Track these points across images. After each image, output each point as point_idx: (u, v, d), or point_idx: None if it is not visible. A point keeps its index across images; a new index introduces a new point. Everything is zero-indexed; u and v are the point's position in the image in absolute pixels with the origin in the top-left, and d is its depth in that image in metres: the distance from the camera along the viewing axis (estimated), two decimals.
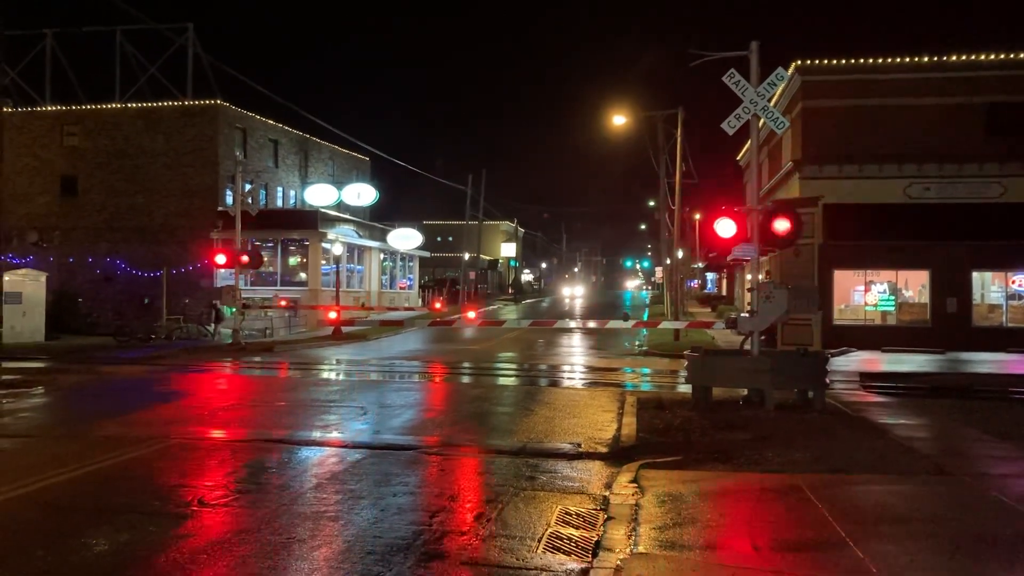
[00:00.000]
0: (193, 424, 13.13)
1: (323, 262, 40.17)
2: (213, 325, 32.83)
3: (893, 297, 30.15)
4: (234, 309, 29.57)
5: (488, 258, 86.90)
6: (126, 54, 42.11)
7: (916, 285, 30.22)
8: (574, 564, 6.72)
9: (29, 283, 30.35)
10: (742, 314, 16.46)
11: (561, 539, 7.32)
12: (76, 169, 40.93)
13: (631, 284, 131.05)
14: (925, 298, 29.76)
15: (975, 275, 29.51)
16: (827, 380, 14.58)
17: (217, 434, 12.43)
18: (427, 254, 56.87)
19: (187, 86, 41.10)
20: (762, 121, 15.15)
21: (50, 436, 12.45)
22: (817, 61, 29.71)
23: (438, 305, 37.07)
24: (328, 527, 7.63)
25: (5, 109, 41.15)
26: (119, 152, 40.36)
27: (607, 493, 8.89)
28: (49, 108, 42.03)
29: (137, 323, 34.22)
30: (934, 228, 28.85)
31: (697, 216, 73.67)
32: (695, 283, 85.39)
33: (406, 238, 50.34)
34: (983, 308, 29.78)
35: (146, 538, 7.22)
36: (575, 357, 26.95)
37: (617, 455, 10.87)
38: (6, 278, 29.51)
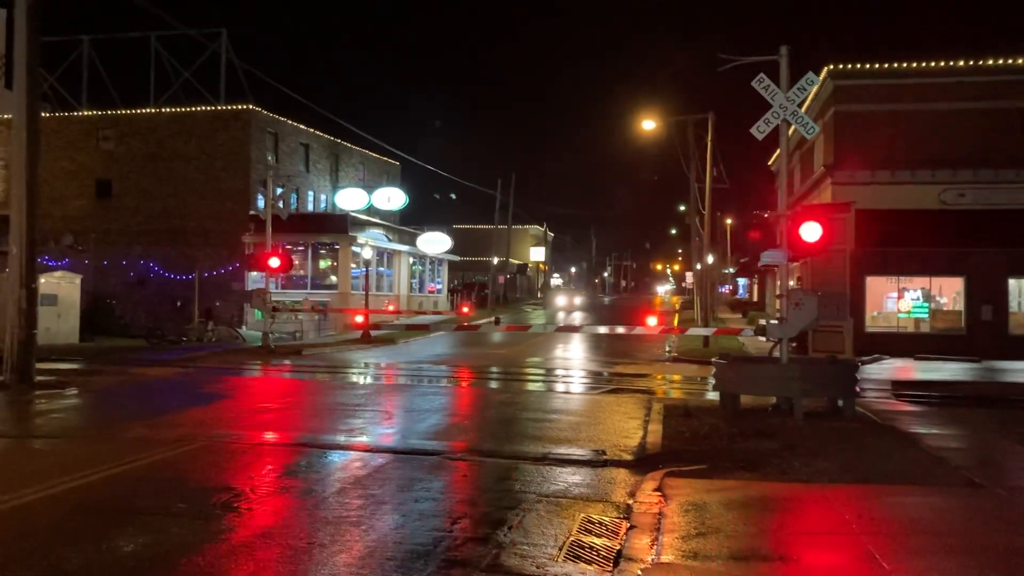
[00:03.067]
0: (220, 427, 13.22)
1: (353, 266, 40.40)
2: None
3: (927, 304, 29.70)
4: (261, 313, 29.81)
5: (517, 262, 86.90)
6: (160, 59, 42.78)
7: (950, 292, 29.75)
8: (595, 573, 6.66)
9: (64, 285, 30.82)
10: (771, 321, 16.29)
11: (583, 548, 7.26)
12: (111, 172, 41.54)
13: (661, 289, 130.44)
14: (960, 305, 29.28)
15: (1012, 282, 28.97)
16: (858, 388, 14.38)
17: (243, 437, 12.49)
18: (456, 258, 56.98)
19: (220, 91, 41.60)
20: (792, 127, 14.99)
21: (80, 437, 12.61)
22: (849, 65, 29.37)
23: (466, 309, 37.16)
24: (350, 532, 7.63)
25: (43, 114, 41.96)
26: (153, 156, 40.90)
27: (631, 501, 8.81)
28: (85, 112, 42.73)
29: (169, 325, 34.63)
30: (969, 234, 28.38)
31: (729, 221, 73.13)
32: (727, 288, 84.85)
33: (435, 242, 50.50)
34: (1019, 316, 29.23)
35: (169, 540, 7.26)
36: (602, 362, 26.84)
37: (642, 463, 10.78)
38: (42, 280, 29.96)
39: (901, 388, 18.58)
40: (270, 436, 12.80)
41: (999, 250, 28.17)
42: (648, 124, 36.48)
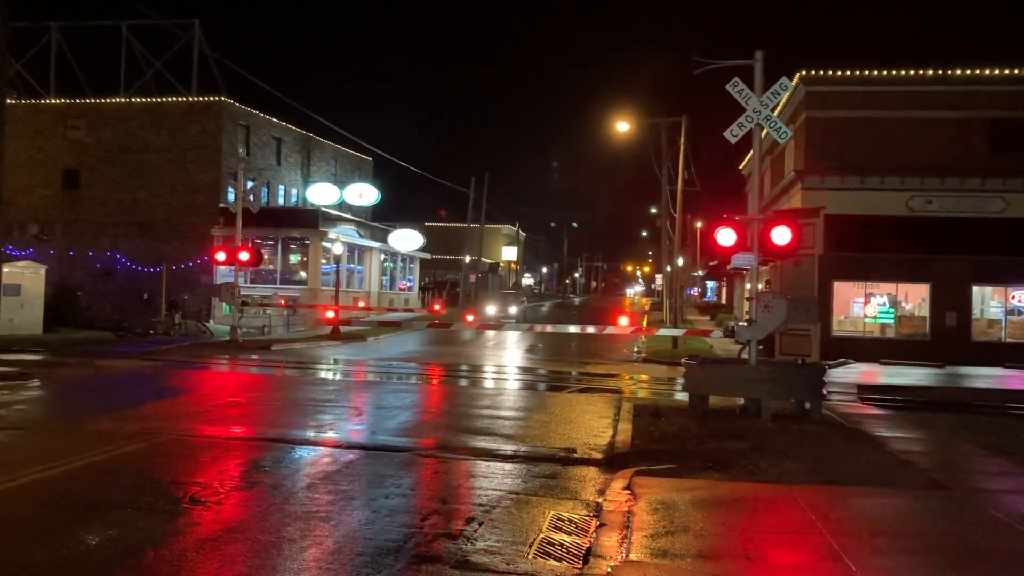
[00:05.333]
0: (187, 420, 13.09)
1: (323, 261, 40.15)
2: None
3: (893, 310, 30.12)
4: (230, 307, 29.55)
5: (489, 261, 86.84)
6: (132, 49, 42.18)
7: (916, 298, 30.19)
8: (565, 570, 6.69)
9: (28, 275, 30.29)
10: (740, 323, 16.42)
11: (552, 545, 7.28)
12: (79, 163, 40.96)
13: (631, 290, 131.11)
14: (925, 311, 29.73)
15: (975, 290, 29.48)
16: (824, 391, 14.55)
17: (211, 431, 12.38)
18: (428, 256, 56.82)
19: (192, 82, 41.15)
20: (765, 131, 15.13)
21: (44, 429, 12.42)
22: (822, 72, 29.69)
23: (437, 307, 37.02)
24: (319, 527, 7.59)
25: (9, 101, 41.27)
26: (122, 147, 40.39)
27: (600, 500, 8.85)
28: (53, 101, 42.07)
29: (136, 318, 34.21)
30: (935, 242, 28.83)
31: (699, 224, 73.73)
32: (695, 291, 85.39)
33: (407, 239, 50.30)
34: (982, 323, 29.74)
35: (136, 534, 7.19)
36: (573, 362, 26.91)
37: (612, 461, 10.84)
38: (5, 270, 29.39)
39: (867, 392, 18.81)
40: (238, 431, 12.70)
41: (964, 257, 28.63)
42: (622, 126, 36.65)
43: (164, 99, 40.76)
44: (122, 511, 7.88)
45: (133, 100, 41.16)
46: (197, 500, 8.39)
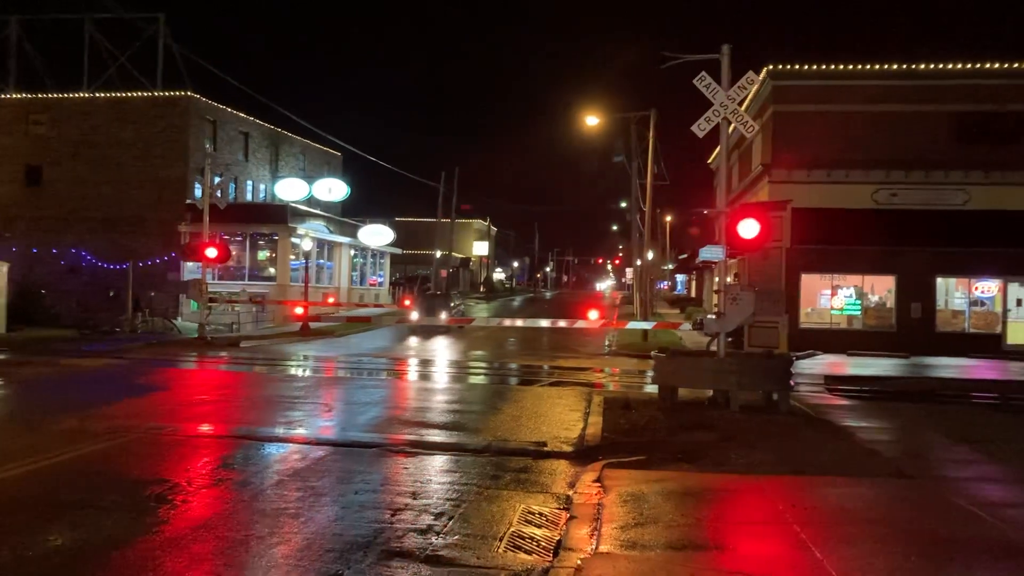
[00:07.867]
0: (155, 418, 12.94)
1: (292, 257, 39.86)
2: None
3: (859, 301, 30.45)
4: (197, 304, 29.27)
5: (460, 256, 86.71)
6: (95, 43, 41.57)
7: (882, 290, 30.54)
8: (535, 563, 6.69)
9: None
10: (709, 316, 16.54)
11: (523, 538, 7.29)
12: (42, 158, 40.26)
13: (601, 285, 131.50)
14: (891, 303, 30.08)
15: (939, 281, 29.86)
16: (792, 382, 14.69)
17: (179, 429, 12.24)
18: (398, 251, 56.60)
19: (157, 77, 40.64)
20: (732, 125, 15.22)
21: (7, 429, 12.22)
22: (788, 66, 29.90)
23: (408, 303, 36.87)
24: (288, 524, 7.54)
25: None
26: (87, 142, 39.77)
27: (571, 492, 8.88)
28: (14, 96, 41.34)
29: (102, 316, 33.77)
30: (900, 234, 29.16)
31: (668, 218, 73.95)
32: (665, 284, 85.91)
33: (377, 234, 50.09)
34: (947, 314, 30.15)
35: (102, 534, 7.10)
36: (544, 356, 26.94)
37: (582, 455, 10.87)
38: None
39: (834, 383, 19.04)
40: (206, 428, 12.58)
41: (928, 249, 28.99)
42: (591, 120, 36.71)
43: (129, 94, 40.19)
44: (88, 511, 7.77)
45: (97, 95, 40.55)
46: (164, 499, 8.30)
